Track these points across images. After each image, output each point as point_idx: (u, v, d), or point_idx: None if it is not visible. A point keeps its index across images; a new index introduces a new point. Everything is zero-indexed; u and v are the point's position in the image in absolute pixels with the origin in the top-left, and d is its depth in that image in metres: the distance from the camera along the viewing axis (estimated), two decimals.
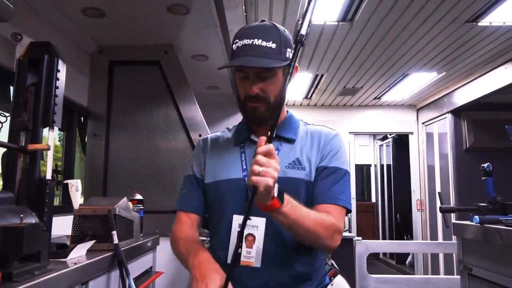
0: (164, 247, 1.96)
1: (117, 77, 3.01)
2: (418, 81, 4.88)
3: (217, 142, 1.34)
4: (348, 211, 1.19)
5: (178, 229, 1.28)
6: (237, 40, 1.17)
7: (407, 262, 6.66)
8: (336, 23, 3.20)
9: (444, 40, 3.56)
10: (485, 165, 2.16)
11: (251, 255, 1.15)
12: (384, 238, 7.46)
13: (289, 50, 1.18)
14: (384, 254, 7.59)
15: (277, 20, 3.14)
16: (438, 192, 2.65)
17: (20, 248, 0.92)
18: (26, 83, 1.20)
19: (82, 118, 2.98)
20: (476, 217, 1.98)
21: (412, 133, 6.09)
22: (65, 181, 1.57)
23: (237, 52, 1.16)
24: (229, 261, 1.14)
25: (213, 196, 1.26)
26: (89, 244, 1.43)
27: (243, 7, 2.31)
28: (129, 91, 2.99)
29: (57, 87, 1.21)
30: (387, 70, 4.43)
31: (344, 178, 1.21)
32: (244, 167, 1.21)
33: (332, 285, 2.70)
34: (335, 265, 2.90)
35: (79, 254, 1.36)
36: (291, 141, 1.25)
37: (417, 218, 5.95)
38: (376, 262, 7.44)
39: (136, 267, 1.87)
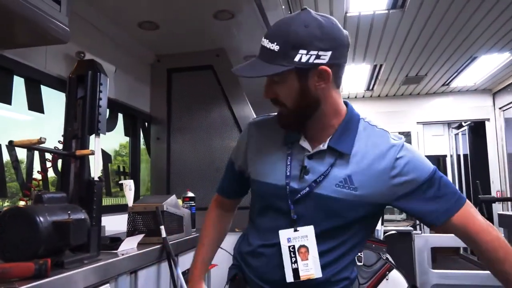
0: None
1: (175, 83, 3.23)
2: (490, 63, 4.53)
3: (265, 133, 1.20)
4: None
5: (210, 209, 1.39)
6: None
7: None
8: (386, 11, 3.11)
9: None
10: None
11: (309, 267, 1.07)
12: None
13: (302, 51, 0.99)
14: (465, 249, 7.11)
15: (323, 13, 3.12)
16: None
17: (68, 240, 1.08)
18: (77, 96, 1.38)
19: (146, 124, 3.23)
20: None
21: (488, 119, 5.66)
22: (120, 182, 1.75)
23: None
24: (288, 279, 1.07)
25: (257, 194, 1.20)
26: (139, 237, 1.58)
27: (282, 7, 2.35)
28: (186, 95, 3.19)
29: (100, 99, 1.36)
30: (451, 54, 4.18)
31: (441, 177, 1.07)
32: (288, 173, 1.10)
33: (387, 279, 2.66)
34: (390, 259, 2.84)
35: (129, 246, 1.52)
36: (345, 155, 1.07)
37: (498, 210, 5.51)
38: (456, 258, 7.02)
39: (188, 260, 2.01)
